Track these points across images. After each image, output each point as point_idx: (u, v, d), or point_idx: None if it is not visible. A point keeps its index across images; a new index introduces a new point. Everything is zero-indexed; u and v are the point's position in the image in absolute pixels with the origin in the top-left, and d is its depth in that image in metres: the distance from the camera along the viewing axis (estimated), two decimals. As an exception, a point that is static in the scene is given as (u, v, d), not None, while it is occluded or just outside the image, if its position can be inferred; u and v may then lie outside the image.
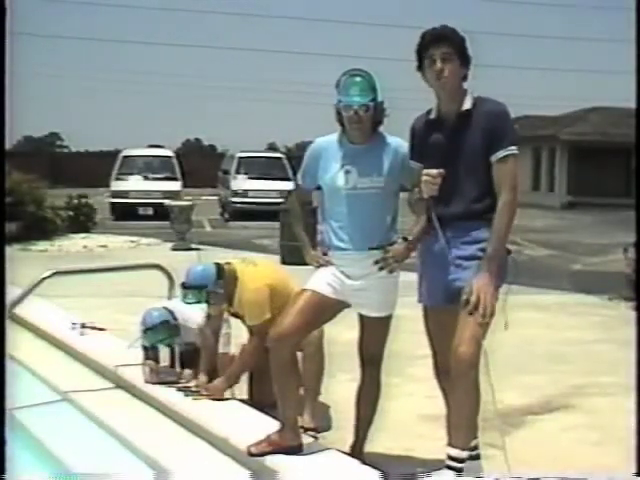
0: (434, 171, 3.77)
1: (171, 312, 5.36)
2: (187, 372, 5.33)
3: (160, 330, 5.27)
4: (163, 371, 5.36)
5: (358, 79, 4.04)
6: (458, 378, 3.67)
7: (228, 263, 5.02)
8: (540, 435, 5.06)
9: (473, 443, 3.92)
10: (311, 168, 4.23)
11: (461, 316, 3.68)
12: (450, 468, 3.73)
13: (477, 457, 4.00)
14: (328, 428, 4.99)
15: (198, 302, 5.11)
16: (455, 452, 3.73)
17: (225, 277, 4.91)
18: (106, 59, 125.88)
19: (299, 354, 4.47)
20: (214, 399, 4.92)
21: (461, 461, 3.74)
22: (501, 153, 3.73)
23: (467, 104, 3.82)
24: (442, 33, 3.82)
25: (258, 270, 5.01)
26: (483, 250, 3.72)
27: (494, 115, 3.78)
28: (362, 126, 4.06)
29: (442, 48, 3.77)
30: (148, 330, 5.28)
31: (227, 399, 4.97)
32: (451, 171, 3.76)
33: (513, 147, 3.76)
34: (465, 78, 3.85)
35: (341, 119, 4.10)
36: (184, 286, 5.09)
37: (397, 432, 4.90)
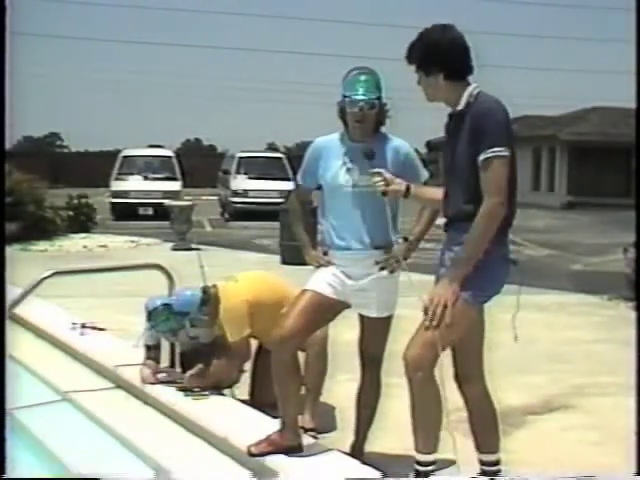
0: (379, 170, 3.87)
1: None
2: (178, 372, 5.30)
3: (162, 312, 5.22)
4: (162, 371, 5.35)
5: (364, 77, 4.05)
6: (408, 382, 3.67)
7: (214, 286, 5.02)
8: (540, 435, 5.06)
9: (494, 458, 3.90)
10: (311, 167, 4.23)
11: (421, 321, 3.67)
12: (416, 473, 3.74)
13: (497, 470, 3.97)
14: (332, 429, 4.99)
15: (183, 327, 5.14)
16: (419, 456, 3.74)
17: (210, 301, 4.94)
18: (106, 59, 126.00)
19: (301, 354, 4.46)
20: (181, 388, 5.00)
21: (426, 464, 3.73)
22: (483, 156, 3.54)
23: (461, 104, 3.66)
24: (407, 53, 3.75)
25: (237, 286, 4.98)
26: None
27: (478, 115, 3.58)
28: (365, 124, 4.05)
29: (413, 67, 3.73)
30: (151, 312, 5.24)
31: (224, 395, 4.97)
32: (450, 171, 3.74)
33: (498, 149, 3.52)
34: (448, 77, 3.65)
35: (344, 116, 4.10)
36: (170, 310, 5.10)
37: (397, 432, 4.89)
